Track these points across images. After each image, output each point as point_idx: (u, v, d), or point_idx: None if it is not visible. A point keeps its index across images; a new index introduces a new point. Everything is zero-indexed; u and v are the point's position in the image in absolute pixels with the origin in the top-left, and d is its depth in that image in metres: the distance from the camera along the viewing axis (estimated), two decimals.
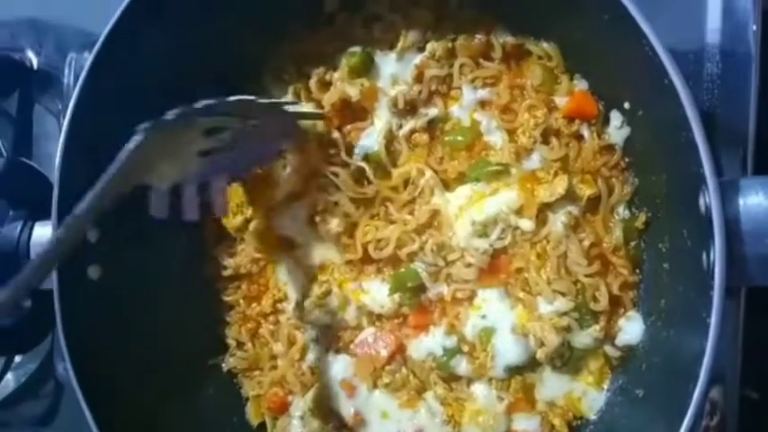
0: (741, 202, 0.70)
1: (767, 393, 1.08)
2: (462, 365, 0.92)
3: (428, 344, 0.94)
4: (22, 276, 0.72)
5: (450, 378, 0.94)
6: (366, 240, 0.96)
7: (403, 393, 0.96)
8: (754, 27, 0.91)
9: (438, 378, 0.94)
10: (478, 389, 0.93)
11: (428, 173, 0.94)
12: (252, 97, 0.94)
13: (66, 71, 1.24)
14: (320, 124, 0.97)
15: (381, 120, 0.97)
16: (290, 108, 0.97)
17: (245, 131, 0.90)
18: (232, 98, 0.90)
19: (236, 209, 1.01)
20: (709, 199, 0.67)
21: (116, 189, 0.77)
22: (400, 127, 0.96)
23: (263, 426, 1.02)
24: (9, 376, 1.24)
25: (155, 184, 0.84)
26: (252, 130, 0.91)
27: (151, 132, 0.79)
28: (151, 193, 0.84)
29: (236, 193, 1.01)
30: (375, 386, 0.97)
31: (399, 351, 0.96)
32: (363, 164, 0.96)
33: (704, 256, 0.69)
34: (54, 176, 0.89)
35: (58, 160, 0.89)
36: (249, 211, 1.01)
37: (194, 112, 0.84)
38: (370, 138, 0.96)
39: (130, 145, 0.78)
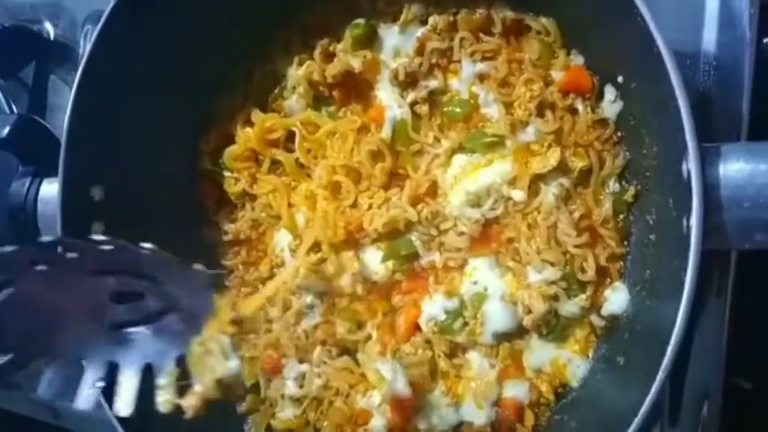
0: (722, 166, 0.71)
1: (760, 383, 1.08)
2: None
3: (430, 310, 0.95)
4: None
5: (452, 350, 0.96)
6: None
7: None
8: (752, 10, 0.93)
9: (441, 351, 0.95)
10: (473, 356, 0.95)
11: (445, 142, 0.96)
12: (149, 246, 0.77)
13: (82, 43, 1.27)
14: None
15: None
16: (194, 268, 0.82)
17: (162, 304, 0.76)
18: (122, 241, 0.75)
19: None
20: (691, 163, 0.68)
21: None
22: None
23: (256, 386, 1.04)
24: None
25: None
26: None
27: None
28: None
29: None
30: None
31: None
32: None
33: (684, 221, 0.70)
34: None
35: (66, 119, 0.91)
36: None
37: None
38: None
39: None
